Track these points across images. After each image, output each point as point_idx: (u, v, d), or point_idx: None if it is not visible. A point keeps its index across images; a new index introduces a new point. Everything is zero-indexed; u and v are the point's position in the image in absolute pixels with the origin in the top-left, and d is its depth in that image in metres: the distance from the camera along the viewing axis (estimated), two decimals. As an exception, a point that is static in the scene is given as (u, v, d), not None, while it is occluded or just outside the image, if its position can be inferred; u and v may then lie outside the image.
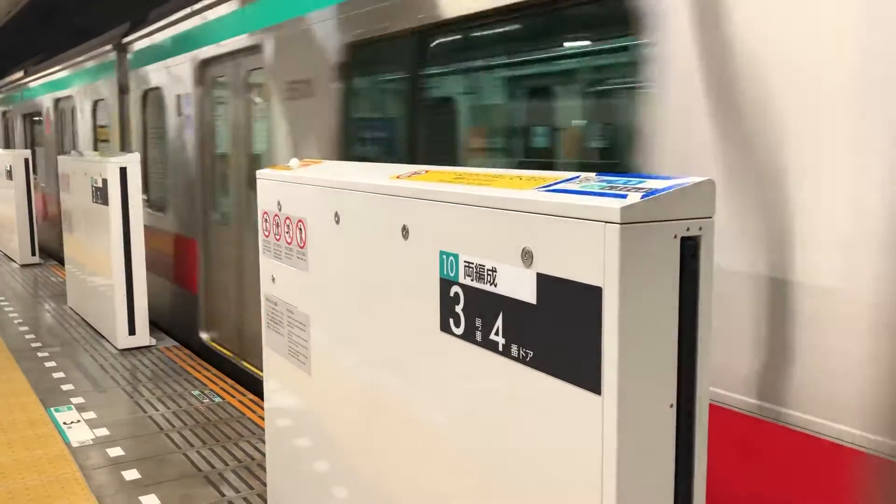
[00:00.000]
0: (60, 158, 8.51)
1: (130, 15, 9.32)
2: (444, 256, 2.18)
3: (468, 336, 2.10)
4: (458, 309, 2.13)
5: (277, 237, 3.32)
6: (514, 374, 1.92)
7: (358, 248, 2.69)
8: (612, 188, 1.73)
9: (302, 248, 3.11)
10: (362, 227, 2.65)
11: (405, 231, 2.37)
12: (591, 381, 1.69)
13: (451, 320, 2.17)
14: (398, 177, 2.55)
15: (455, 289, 2.14)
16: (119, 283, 6.82)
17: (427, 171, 2.56)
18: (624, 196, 1.65)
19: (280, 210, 3.27)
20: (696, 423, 1.74)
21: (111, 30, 10.14)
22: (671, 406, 1.71)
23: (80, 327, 7.75)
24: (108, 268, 6.90)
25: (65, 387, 5.83)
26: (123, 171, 6.66)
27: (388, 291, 2.51)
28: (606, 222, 1.61)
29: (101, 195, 6.91)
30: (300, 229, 3.11)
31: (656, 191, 1.65)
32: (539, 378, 1.84)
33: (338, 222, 2.81)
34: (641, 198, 1.62)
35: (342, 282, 2.81)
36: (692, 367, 1.72)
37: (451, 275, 2.16)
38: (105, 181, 6.74)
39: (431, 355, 2.28)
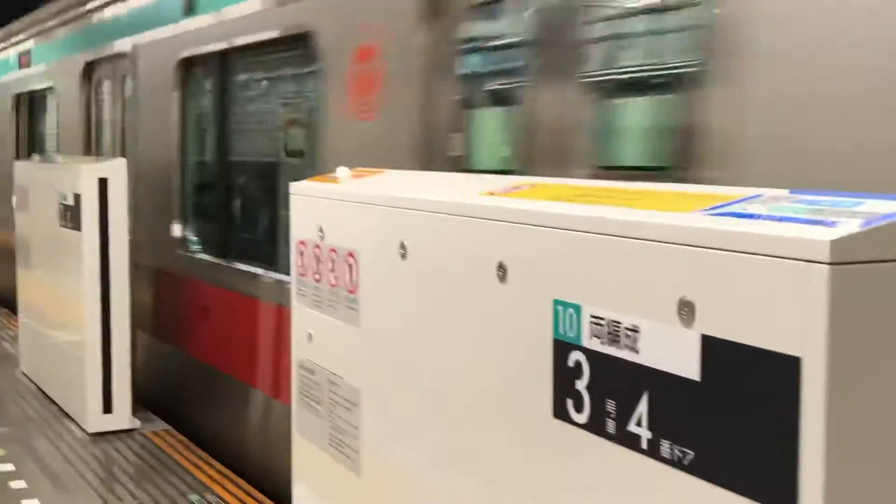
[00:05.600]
0: (17, 165, 8.80)
1: None
2: (561, 308, 2.18)
3: (595, 426, 2.09)
4: (581, 386, 2.12)
5: (317, 277, 3.36)
6: (666, 482, 1.90)
7: (433, 295, 2.70)
8: (815, 212, 1.71)
9: (352, 292, 3.14)
10: (439, 263, 2.67)
11: (502, 270, 2.37)
12: (783, 497, 1.65)
13: (570, 402, 2.16)
14: (492, 192, 2.56)
15: (576, 356, 2.13)
16: (92, 342, 6.91)
17: (533, 185, 2.56)
18: (833, 224, 1.62)
19: (322, 239, 3.32)
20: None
21: None
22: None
23: (35, 402, 7.96)
24: (78, 319, 7.03)
25: (14, 484, 5.98)
26: (103, 182, 6.77)
27: (475, 358, 2.52)
28: (809, 262, 1.59)
29: (71, 217, 7.06)
30: (350, 266, 3.15)
31: (883, 216, 1.62)
32: (703, 490, 1.82)
33: (404, 257, 2.83)
34: (861, 226, 1.59)
35: (409, 343, 2.83)
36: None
37: (571, 335, 2.15)
38: (77, 197, 6.87)
39: (540, 453, 2.27)
